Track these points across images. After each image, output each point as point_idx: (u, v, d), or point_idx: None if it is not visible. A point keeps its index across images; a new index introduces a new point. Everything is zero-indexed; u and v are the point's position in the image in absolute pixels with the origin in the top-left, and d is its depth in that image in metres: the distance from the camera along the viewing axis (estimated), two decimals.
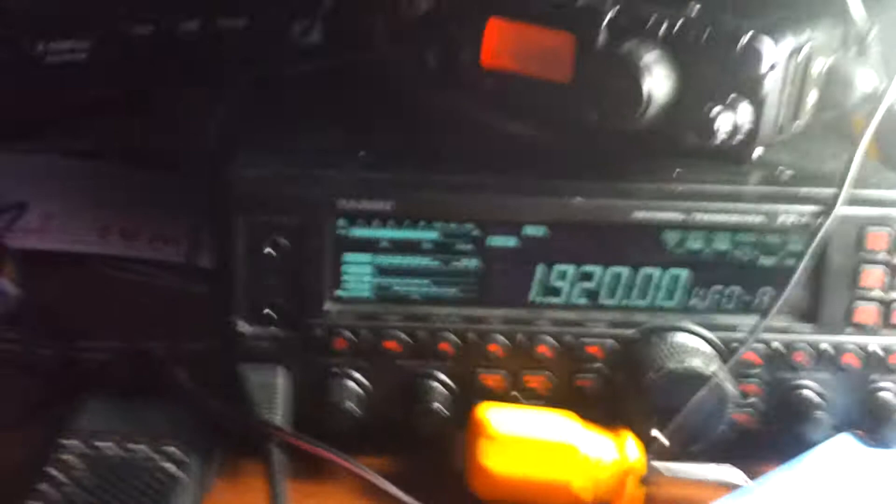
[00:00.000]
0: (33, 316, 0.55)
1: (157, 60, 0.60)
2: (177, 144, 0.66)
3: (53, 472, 0.42)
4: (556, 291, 0.47)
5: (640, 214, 0.46)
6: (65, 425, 0.45)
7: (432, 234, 0.47)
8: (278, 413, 0.45)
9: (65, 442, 0.44)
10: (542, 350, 0.47)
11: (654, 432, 0.45)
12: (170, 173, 0.70)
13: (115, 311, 0.59)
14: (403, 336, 0.47)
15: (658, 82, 0.43)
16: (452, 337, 0.47)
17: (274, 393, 0.46)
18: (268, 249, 0.46)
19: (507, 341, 0.47)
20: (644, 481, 0.45)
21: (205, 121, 0.56)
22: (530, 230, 0.46)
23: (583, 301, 0.47)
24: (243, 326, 0.46)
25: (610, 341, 0.47)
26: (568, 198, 0.46)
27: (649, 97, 0.43)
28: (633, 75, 0.42)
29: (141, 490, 0.42)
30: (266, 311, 0.46)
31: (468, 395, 0.47)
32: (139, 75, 0.61)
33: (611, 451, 0.45)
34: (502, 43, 0.48)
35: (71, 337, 0.55)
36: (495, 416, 0.46)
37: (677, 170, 0.47)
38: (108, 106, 0.66)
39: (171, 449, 0.43)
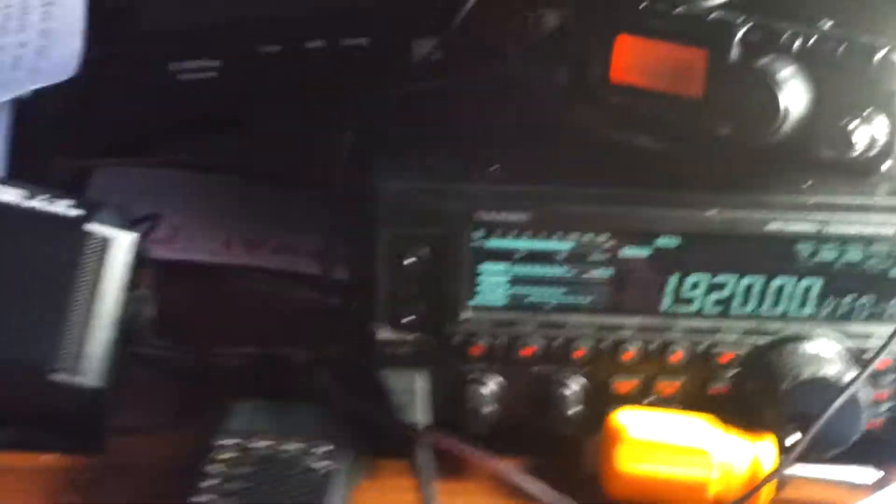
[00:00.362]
0: (171, 324, 0.58)
1: (283, 79, 0.63)
2: (300, 161, 0.68)
3: (212, 470, 0.45)
4: (689, 301, 0.48)
5: (774, 226, 0.47)
6: (218, 427, 0.48)
7: (567, 245, 0.48)
8: (420, 416, 0.47)
9: (221, 443, 0.46)
10: (676, 358, 0.48)
11: (790, 439, 0.46)
12: (291, 189, 0.72)
13: (248, 319, 0.62)
14: (538, 343, 0.49)
15: (794, 97, 0.44)
16: (586, 344, 0.48)
17: (414, 397, 0.48)
18: (409, 260, 0.48)
19: (640, 348, 0.48)
20: (779, 486, 0.46)
21: (332, 138, 0.58)
22: (663, 241, 0.48)
23: (716, 310, 0.48)
24: (384, 333, 0.48)
25: (743, 350, 0.48)
26: (701, 209, 0.47)
27: (786, 112, 0.44)
28: (770, 90, 0.43)
29: (295, 486, 0.44)
30: (406, 318, 0.48)
31: (601, 401, 0.49)
32: (266, 93, 0.64)
33: (746, 456, 0.47)
34: (632, 59, 0.49)
35: (207, 344, 0.58)
36: (631, 421, 0.48)
37: (809, 182, 0.48)
38: (232, 123, 0.69)
39: (322, 449, 0.46)
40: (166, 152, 0.73)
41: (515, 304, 0.49)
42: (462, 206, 0.47)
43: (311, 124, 0.65)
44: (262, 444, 0.46)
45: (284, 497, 0.43)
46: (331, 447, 0.46)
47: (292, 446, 0.46)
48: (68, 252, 0.47)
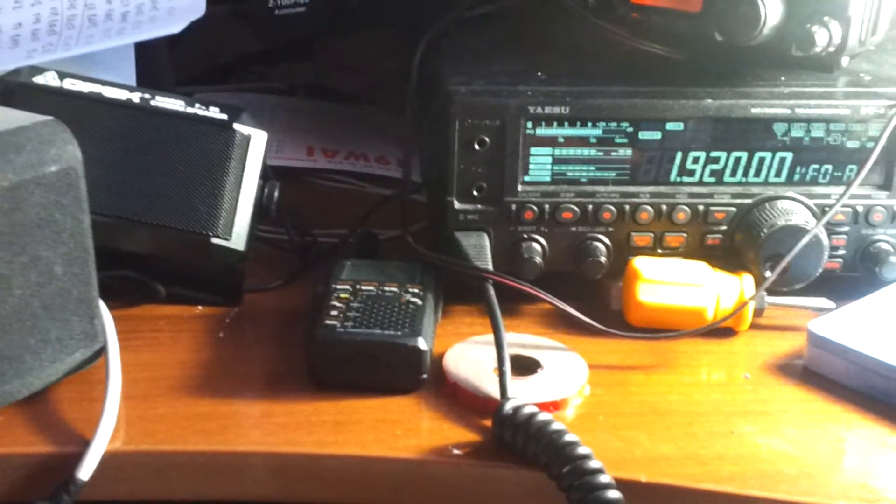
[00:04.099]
0: (285, 213, 0.71)
1: (362, 9, 0.76)
2: (369, 82, 0.82)
3: (334, 304, 0.59)
4: (691, 172, 0.63)
5: (756, 111, 0.61)
6: (334, 276, 0.62)
7: (597, 132, 0.63)
8: (488, 263, 0.62)
9: (338, 286, 0.61)
10: (681, 216, 0.63)
11: (767, 273, 0.60)
12: (359, 106, 0.86)
13: (338, 207, 0.76)
14: (575, 208, 0.63)
15: (771, 8, 0.58)
16: (612, 208, 0.63)
17: (482, 250, 0.63)
18: (476, 146, 0.62)
19: (653, 210, 0.63)
20: (758, 313, 0.61)
21: (401, 56, 0.71)
22: (671, 125, 0.62)
23: (712, 179, 0.63)
24: (458, 204, 0.63)
25: (732, 209, 0.63)
26: (700, 99, 0.61)
27: (765, 20, 0.57)
28: (754, 4, 0.57)
29: (397, 315, 0.59)
30: (474, 191, 0.63)
31: (623, 252, 0.63)
32: (348, 22, 0.77)
33: (734, 288, 0.61)
34: None
35: (309, 228, 0.72)
36: (646, 265, 0.62)
37: (782, 77, 0.61)
38: (313, 50, 0.82)
39: (415, 289, 0.60)
40: (256, 78, 0.87)
41: (557, 179, 0.63)
42: (517, 102, 0.61)
43: (385, 49, 0.78)
44: (369, 287, 0.61)
45: (390, 321, 0.58)
46: (419, 288, 0.61)
47: (391, 288, 0.61)
48: (221, 145, 0.61)
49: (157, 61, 0.76)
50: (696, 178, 0.63)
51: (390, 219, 0.68)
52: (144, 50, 0.71)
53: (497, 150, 0.62)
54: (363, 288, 0.61)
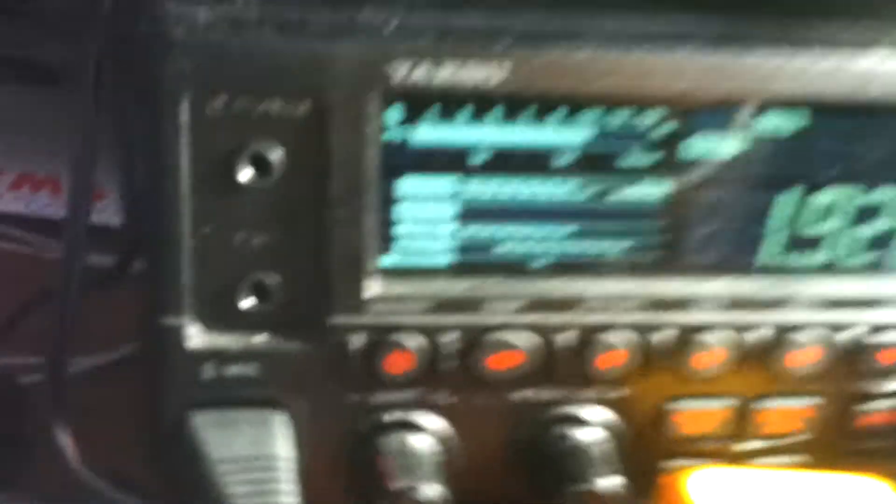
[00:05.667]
0: None
1: None
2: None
3: None
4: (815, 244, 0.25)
5: None
6: None
7: (577, 136, 0.22)
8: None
9: None
10: (807, 357, 0.25)
11: None
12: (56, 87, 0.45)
13: None
14: (524, 341, 0.24)
15: None
16: (623, 337, 0.24)
17: (272, 467, 0.23)
18: (243, 173, 0.22)
19: (732, 341, 0.25)
20: None
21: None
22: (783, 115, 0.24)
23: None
24: (196, 334, 0.23)
25: None
26: None
27: None
28: None
29: None
30: (243, 300, 0.23)
31: (651, 451, 0.25)
32: None
33: None
34: None
35: None
36: (713, 491, 0.24)
37: None
38: None
39: None
40: None
41: (471, 261, 0.24)
42: (359, 50, 0.22)
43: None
44: None
45: None
46: None
47: None
48: None
49: None
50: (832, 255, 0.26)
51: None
52: None
53: (304, 185, 0.23)
54: None
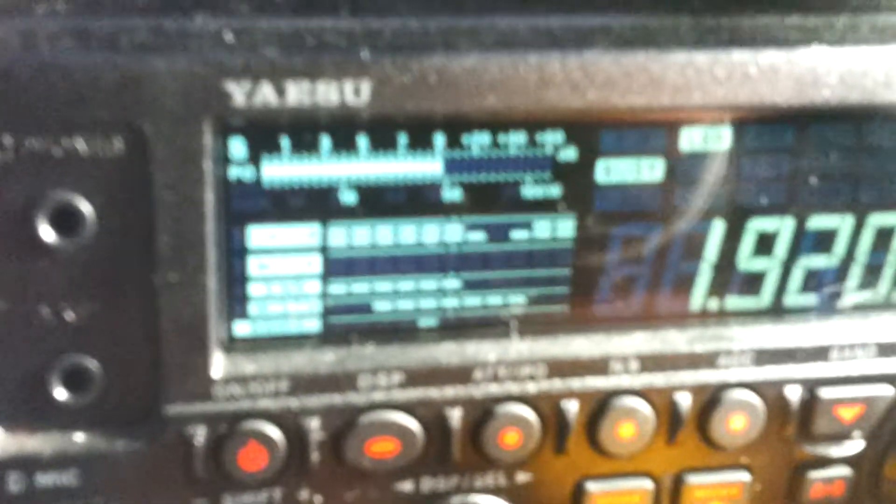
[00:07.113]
0: None
1: None
2: None
3: None
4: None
5: None
6: None
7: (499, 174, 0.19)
8: None
9: None
10: (737, 422, 0.21)
11: None
12: None
13: None
14: (406, 422, 0.19)
15: None
16: (529, 414, 0.20)
17: None
18: (43, 228, 0.18)
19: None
20: None
21: None
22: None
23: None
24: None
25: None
26: None
27: None
28: None
29: None
30: (56, 387, 0.18)
31: None
32: None
33: None
34: None
35: None
36: None
37: None
38: None
39: None
40: None
41: (343, 325, 0.20)
42: (198, 65, 0.17)
43: None
44: None
45: None
46: None
47: None
48: None
49: None
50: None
51: None
52: None
53: (125, 242, 0.18)
54: None
